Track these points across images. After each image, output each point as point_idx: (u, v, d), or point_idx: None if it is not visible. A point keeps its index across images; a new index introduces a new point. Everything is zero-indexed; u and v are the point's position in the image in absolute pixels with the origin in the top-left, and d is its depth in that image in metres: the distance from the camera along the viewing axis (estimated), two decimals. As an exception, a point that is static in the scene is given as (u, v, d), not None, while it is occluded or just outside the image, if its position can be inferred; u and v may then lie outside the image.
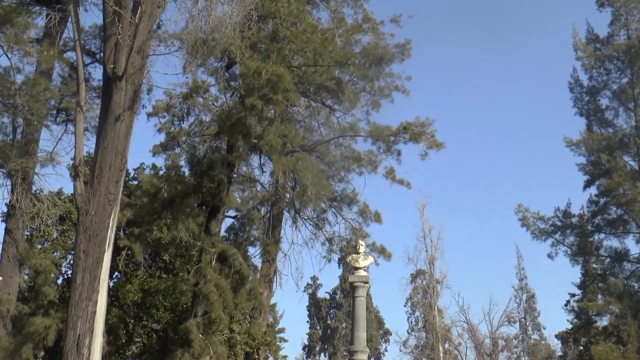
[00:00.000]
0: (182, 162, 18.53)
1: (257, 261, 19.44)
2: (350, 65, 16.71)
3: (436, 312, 38.77)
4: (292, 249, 19.24)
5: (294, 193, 18.97)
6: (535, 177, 72.21)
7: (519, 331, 44.12)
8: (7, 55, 15.08)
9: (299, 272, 20.74)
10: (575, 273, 62.52)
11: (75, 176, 10.01)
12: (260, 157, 18.87)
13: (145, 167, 22.71)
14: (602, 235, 25.93)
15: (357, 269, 22.17)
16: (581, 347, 30.94)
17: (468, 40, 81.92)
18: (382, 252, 18.85)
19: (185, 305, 20.30)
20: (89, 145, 13.94)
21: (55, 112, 17.30)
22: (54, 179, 59.22)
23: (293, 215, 19.65)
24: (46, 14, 15.10)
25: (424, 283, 43.48)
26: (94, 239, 9.50)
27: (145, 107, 17.82)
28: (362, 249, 20.51)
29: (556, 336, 38.47)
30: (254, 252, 20.45)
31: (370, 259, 18.82)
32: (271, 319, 24.49)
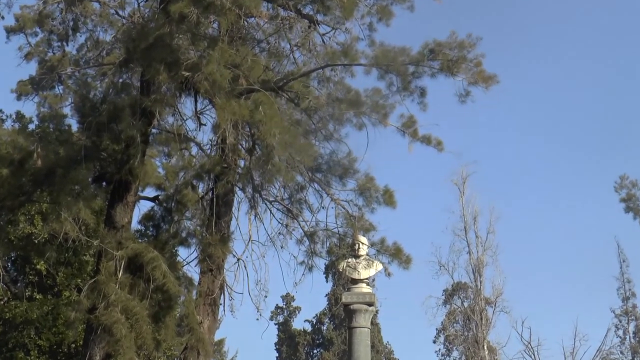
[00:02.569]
0: (66, 110, 18.49)
1: (193, 271, 19.36)
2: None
3: (486, 352, 38.91)
4: (249, 251, 19.34)
5: (251, 159, 18.89)
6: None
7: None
8: None
9: (261, 288, 19.67)
10: None
11: None
12: (195, 102, 18.88)
13: (4, 117, 23.76)
14: None
15: (356, 282, 22.73)
16: None
17: None
18: (395, 255, 18.89)
19: (74, 346, 20.32)
20: None
21: None
22: None
23: (251, 195, 19.64)
24: None
25: (466, 305, 43.63)
26: None
27: (3, 17, 18.05)
28: (363, 251, 21.48)
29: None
30: (187, 256, 19.50)
31: (378, 267, 19.74)
32: (217, 365, 24.65)
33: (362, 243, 20.51)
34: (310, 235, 19.41)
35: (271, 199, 19.61)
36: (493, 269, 41.68)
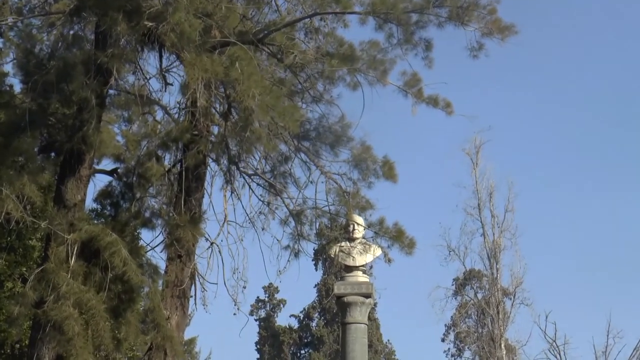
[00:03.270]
0: (7, 67, 18.77)
1: (159, 258, 18.99)
2: None
3: (503, 352, 38.65)
4: (225, 234, 19.16)
5: (226, 125, 18.70)
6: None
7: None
8: None
9: (238, 277, 19.29)
10: None
11: None
12: (160, 57, 18.63)
13: None
14: None
15: (350, 270, 22.57)
16: None
17: None
18: (397, 238, 18.77)
19: (18, 346, 20.20)
20: None
21: None
22: None
23: (226, 168, 19.49)
24: None
25: (480, 297, 43.34)
26: None
27: None
28: (359, 233, 21.46)
29: None
30: (151, 239, 19.15)
31: (376, 252, 19.45)
32: (188, 368, 23.80)
33: (358, 224, 20.41)
34: (297, 215, 19.20)
35: (250, 172, 19.43)
36: (512, 254, 41.45)
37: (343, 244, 20.92)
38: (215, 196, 19.40)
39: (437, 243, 41.65)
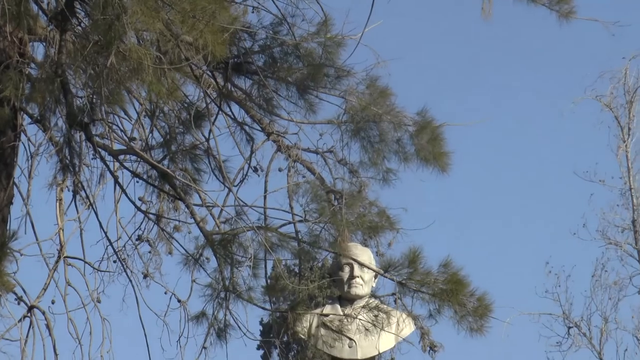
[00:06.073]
0: None
1: None
2: None
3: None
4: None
5: (62, 42, 11.82)
6: None
7: None
8: None
9: None
10: None
11: None
12: None
13: None
14: None
15: None
16: None
17: None
18: (450, 295, 12.30)
19: None
20: None
21: None
22: None
23: (65, 138, 12.49)
24: None
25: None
26: None
27: None
28: (362, 287, 12.88)
29: None
30: None
31: (405, 329, 12.16)
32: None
33: (361, 264, 12.23)
34: (220, 243, 11.25)
35: (119, 149, 11.89)
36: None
37: (328, 309, 12.37)
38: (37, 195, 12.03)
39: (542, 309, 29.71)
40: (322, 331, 12.13)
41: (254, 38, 11.39)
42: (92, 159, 11.26)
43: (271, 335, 12.54)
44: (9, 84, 10.77)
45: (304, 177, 11.56)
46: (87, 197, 11.31)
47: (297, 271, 12.51)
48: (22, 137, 11.55)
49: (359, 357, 12.19)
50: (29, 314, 10.94)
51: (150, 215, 11.34)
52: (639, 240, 31.71)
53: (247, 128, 11.52)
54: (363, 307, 12.14)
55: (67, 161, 11.00)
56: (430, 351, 11.52)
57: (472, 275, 11.59)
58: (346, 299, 12.46)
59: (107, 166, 11.08)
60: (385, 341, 12.29)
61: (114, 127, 11.27)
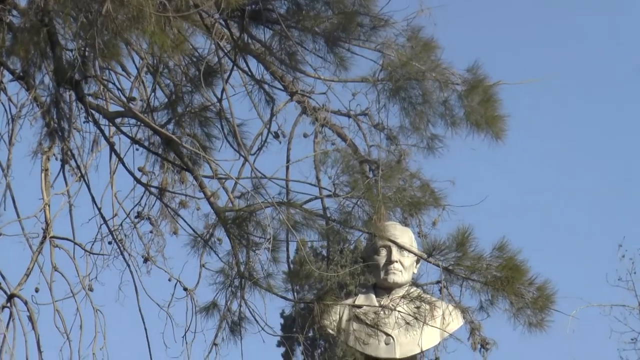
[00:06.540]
0: None
1: None
2: None
3: None
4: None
5: None
6: None
7: None
8: None
9: None
10: None
11: None
12: None
13: None
14: None
15: None
16: None
17: None
18: (505, 284, 12.10)
19: None
20: None
21: None
22: None
23: (52, 96, 12.17)
24: None
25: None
26: None
27: None
28: (402, 274, 12.61)
29: None
30: None
31: (452, 324, 11.72)
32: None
33: (400, 247, 11.80)
34: (234, 221, 11.04)
35: (116, 110, 11.47)
36: None
37: (361, 299, 12.09)
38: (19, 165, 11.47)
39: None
40: (355, 325, 11.83)
41: (275, -20, 11.29)
42: (83, 122, 10.44)
43: (294, 330, 11.82)
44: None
45: (333, 144, 11.15)
46: (78, 167, 10.62)
47: (325, 255, 12.39)
48: (2, 96, 10.65)
49: (397, 356, 11.74)
50: (8, 304, 10.28)
51: (152, 189, 10.69)
52: None
53: (266, 87, 10.85)
54: (402, 297, 11.84)
55: (55, 125, 10.29)
56: (482, 349, 10.94)
57: (531, 260, 10.98)
58: (382, 288, 12.20)
59: (102, 131, 10.39)
60: (429, 337, 11.86)
61: (110, 85, 10.59)
